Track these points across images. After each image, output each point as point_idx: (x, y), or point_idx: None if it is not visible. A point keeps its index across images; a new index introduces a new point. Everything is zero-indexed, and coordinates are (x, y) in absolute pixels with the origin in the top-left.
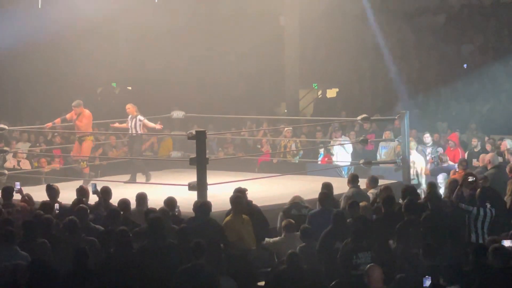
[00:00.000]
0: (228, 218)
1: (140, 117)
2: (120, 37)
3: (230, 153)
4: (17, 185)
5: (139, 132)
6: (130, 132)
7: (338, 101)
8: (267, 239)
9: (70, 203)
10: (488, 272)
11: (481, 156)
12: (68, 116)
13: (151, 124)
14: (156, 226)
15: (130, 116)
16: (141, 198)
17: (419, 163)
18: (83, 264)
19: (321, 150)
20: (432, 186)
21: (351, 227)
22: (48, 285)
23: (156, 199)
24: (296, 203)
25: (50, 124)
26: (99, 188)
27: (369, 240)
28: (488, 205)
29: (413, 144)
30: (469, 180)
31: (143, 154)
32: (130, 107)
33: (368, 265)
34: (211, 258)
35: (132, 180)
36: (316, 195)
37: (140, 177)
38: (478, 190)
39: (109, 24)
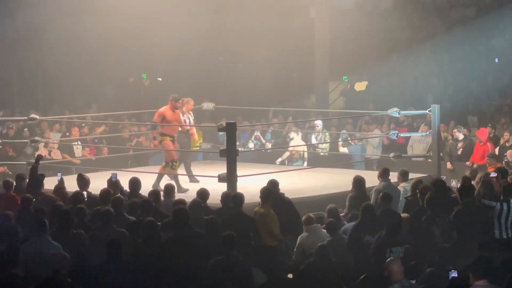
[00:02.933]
0: (258, 209)
1: (191, 115)
2: (154, 29)
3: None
4: (59, 175)
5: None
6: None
7: (367, 94)
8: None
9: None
10: None
11: (509, 151)
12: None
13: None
14: (181, 216)
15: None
16: (169, 190)
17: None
18: (116, 255)
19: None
20: (466, 181)
21: (383, 220)
22: (85, 276)
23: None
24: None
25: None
26: (121, 179)
27: (404, 235)
28: None
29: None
30: (490, 176)
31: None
32: (191, 102)
33: (387, 260)
34: (242, 250)
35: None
36: (345, 188)
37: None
38: (503, 185)
39: (145, 20)
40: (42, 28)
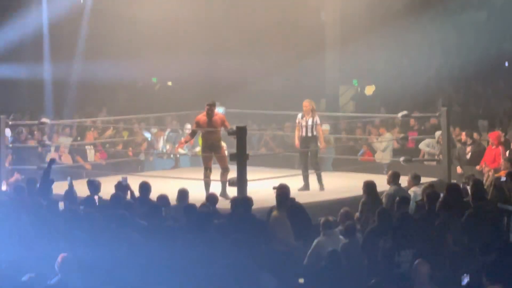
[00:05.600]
0: (275, 213)
1: (317, 119)
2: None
3: (270, 149)
4: (69, 179)
5: (315, 133)
6: (305, 132)
7: (377, 98)
8: None
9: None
10: None
11: None
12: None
13: (322, 133)
14: (203, 221)
15: (301, 114)
16: (183, 194)
17: None
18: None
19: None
20: (478, 184)
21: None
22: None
23: (196, 194)
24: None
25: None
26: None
27: (412, 238)
28: None
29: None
30: (501, 180)
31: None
32: (307, 105)
33: (417, 261)
34: (252, 254)
35: (322, 187)
36: (356, 192)
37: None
38: None
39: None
40: (53, 31)
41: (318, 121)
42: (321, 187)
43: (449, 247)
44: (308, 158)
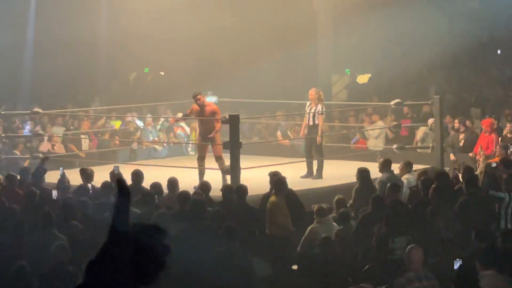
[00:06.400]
0: (273, 199)
1: (320, 108)
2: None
3: (263, 138)
4: (61, 169)
5: (316, 122)
6: (307, 121)
7: (370, 87)
8: None
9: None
10: None
11: None
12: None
13: (322, 122)
14: (198, 208)
15: (309, 103)
16: (173, 183)
17: None
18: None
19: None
20: (469, 171)
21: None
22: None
23: (190, 182)
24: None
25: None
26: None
27: (406, 225)
28: None
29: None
30: (492, 166)
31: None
32: (313, 94)
33: (410, 246)
34: (246, 241)
35: (318, 176)
36: (349, 180)
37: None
38: (506, 176)
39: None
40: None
41: (320, 111)
42: (318, 175)
43: (441, 233)
44: (312, 146)
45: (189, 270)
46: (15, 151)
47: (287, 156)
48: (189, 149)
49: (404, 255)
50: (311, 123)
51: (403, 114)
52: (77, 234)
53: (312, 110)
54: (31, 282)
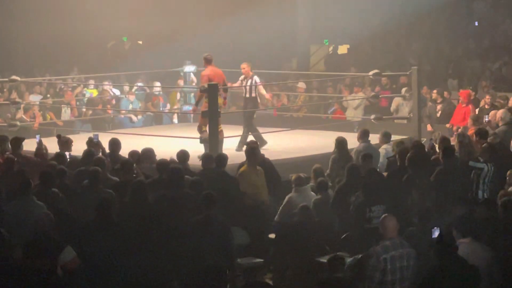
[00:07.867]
0: (243, 168)
1: (256, 78)
2: None
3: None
4: (37, 137)
5: (253, 94)
6: (244, 93)
7: (349, 58)
8: None
9: (80, 154)
10: (499, 225)
11: (492, 112)
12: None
13: (263, 91)
14: (177, 176)
15: (243, 76)
16: (149, 153)
17: None
18: (106, 214)
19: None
20: (445, 141)
21: (369, 180)
22: (68, 233)
23: (168, 151)
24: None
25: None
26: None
27: (383, 194)
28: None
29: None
30: (463, 136)
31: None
32: (245, 67)
33: (383, 215)
34: (224, 209)
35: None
36: (327, 150)
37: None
38: (485, 145)
39: None
40: None
41: (258, 81)
42: (239, 147)
43: (415, 202)
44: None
45: (168, 237)
46: None
47: (270, 126)
48: (174, 119)
49: (379, 224)
50: (247, 95)
51: (383, 85)
52: (57, 202)
53: (249, 83)
54: (12, 250)
